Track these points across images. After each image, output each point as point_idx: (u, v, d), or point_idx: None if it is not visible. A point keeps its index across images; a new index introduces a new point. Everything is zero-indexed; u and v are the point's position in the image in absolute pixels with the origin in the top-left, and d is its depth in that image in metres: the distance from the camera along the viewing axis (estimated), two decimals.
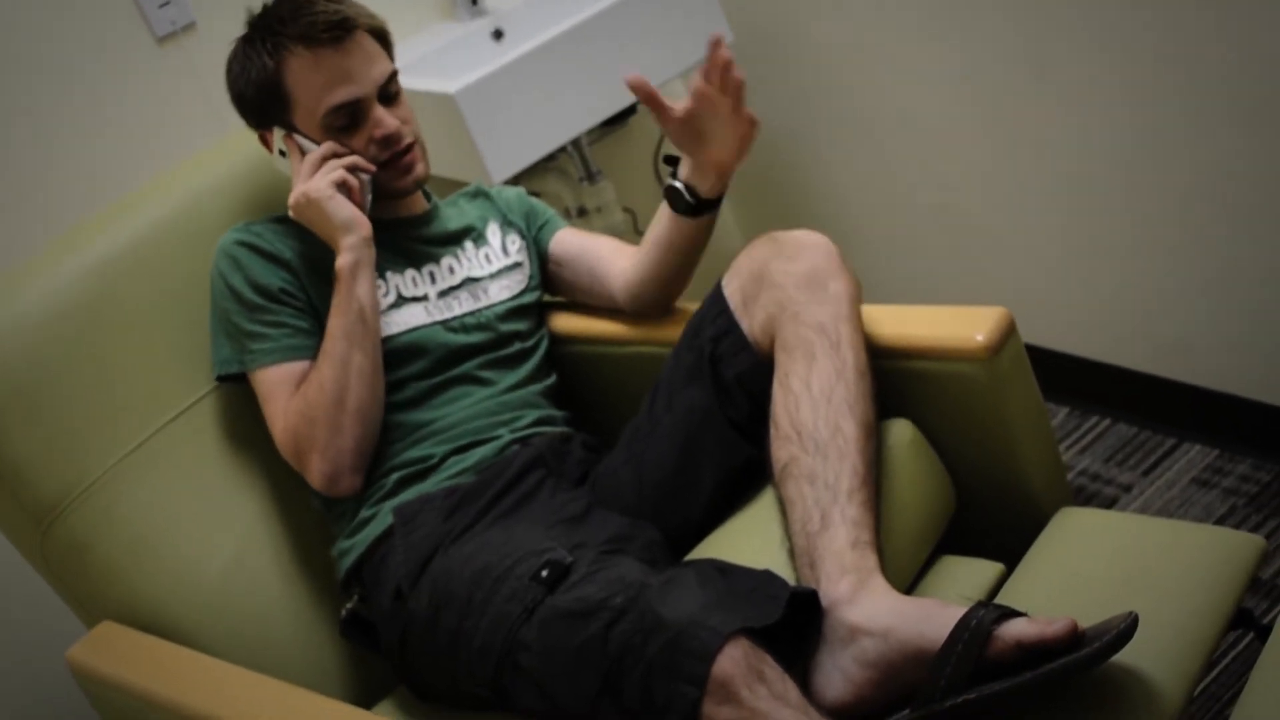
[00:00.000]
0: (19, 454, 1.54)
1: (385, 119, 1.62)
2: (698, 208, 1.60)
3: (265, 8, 1.64)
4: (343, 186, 1.57)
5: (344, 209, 1.56)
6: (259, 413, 1.63)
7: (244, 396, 1.65)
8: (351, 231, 1.56)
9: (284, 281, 1.62)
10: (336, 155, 1.60)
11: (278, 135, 1.64)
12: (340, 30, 1.59)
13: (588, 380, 1.80)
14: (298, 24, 1.59)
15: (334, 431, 1.55)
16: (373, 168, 1.62)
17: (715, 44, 1.45)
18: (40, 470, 1.55)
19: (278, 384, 1.59)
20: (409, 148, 1.65)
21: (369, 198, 1.62)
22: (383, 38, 1.66)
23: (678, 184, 1.60)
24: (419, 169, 1.67)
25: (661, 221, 1.66)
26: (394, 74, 1.65)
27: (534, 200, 1.85)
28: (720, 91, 1.48)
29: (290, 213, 1.60)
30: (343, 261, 1.56)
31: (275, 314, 1.61)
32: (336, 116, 1.60)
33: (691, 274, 1.70)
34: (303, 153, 1.61)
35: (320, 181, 1.57)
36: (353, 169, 1.60)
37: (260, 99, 1.63)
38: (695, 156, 1.56)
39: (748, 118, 1.49)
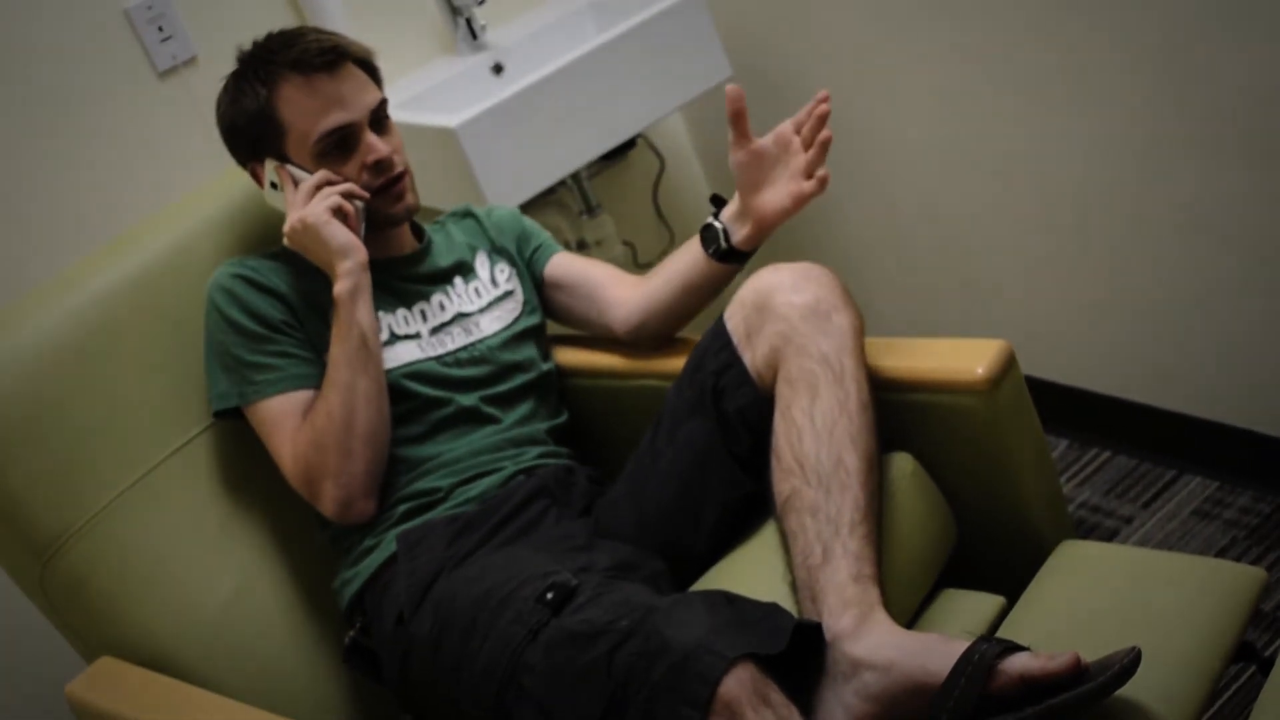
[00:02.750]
0: (19, 488, 1.54)
1: (378, 144, 1.63)
2: (727, 254, 1.61)
3: (255, 43, 1.66)
4: (339, 213, 1.58)
5: (341, 234, 1.57)
6: (258, 446, 1.63)
7: (244, 431, 1.65)
8: (349, 256, 1.56)
9: (283, 312, 1.62)
10: (330, 183, 1.60)
11: (269, 167, 1.64)
12: (333, 55, 1.61)
13: (591, 414, 1.80)
14: (291, 52, 1.61)
15: (345, 457, 1.54)
16: (367, 195, 1.62)
17: (821, 99, 1.50)
18: (40, 504, 1.55)
19: (284, 414, 1.59)
20: (400, 176, 1.66)
21: (363, 226, 1.62)
22: (371, 69, 1.68)
23: (716, 224, 1.61)
24: (410, 198, 1.68)
25: (685, 259, 1.66)
26: (384, 102, 1.66)
27: (527, 222, 1.85)
28: (805, 143, 1.51)
29: (285, 240, 1.60)
30: (341, 288, 1.56)
31: (279, 344, 1.61)
32: (329, 141, 1.61)
33: (697, 315, 1.71)
34: (295, 183, 1.61)
35: (317, 207, 1.57)
36: (348, 196, 1.60)
37: (253, 129, 1.63)
38: (745, 197, 1.57)
39: (820, 178, 1.52)
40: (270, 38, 1.65)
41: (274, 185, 1.64)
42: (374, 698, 1.65)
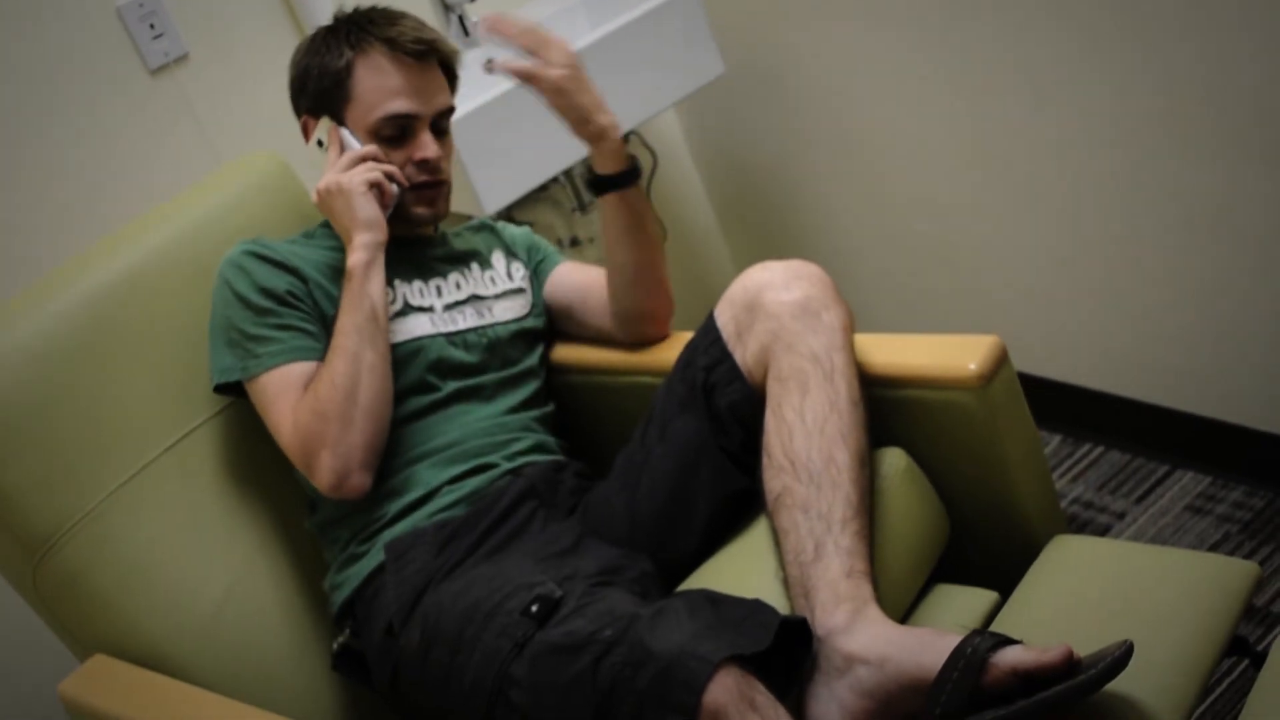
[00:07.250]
0: (12, 485, 1.54)
1: (430, 144, 1.65)
2: (600, 184, 1.65)
3: (357, 9, 1.69)
4: (375, 189, 1.59)
5: (370, 207, 1.58)
6: (253, 443, 1.62)
7: (238, 427, 1.65)
8: (370, 230, 1.58)
9: (291, 285, 1.62)
10: (376, 160, 1.62)
11: (323, 125, 1.66)
12: (424, 48, 1.64)
13: (582, 409, 1.81)
14: (389, 29, 1.64)
15: (345, 427, 1.53)
16: (405, 183, 1.64)
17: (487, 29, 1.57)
18: (34, 502, 1.54)
19: (286, 385, 1.57)
20: (440, 182, 1.68)
21: (389, 212, 1.63)
22: (452, 74, 1.71)
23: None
24: (440, 205, 1.70)
25: (600, 221, 1.70)
26: (451, 109, 1.69)
27: (536, 237, 1.88)
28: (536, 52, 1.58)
29: (313, 197, 1.62)
30: (355, 259, 1.57)
31: (282, 317, 1.60)
32: (389, 125, 1.63)
33: (660, 280, 1.72)
34: (343, 147, 1.64)
35: (356, 176, 1.58)
36: (389, 177, 1.62)
37: (324, 84, 1.65)
38: (574, 127, 1.62)
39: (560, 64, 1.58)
40: (374, 9, 1.69)
41: (319, 143, 1.66)
42: (367, 697, 1.65)
